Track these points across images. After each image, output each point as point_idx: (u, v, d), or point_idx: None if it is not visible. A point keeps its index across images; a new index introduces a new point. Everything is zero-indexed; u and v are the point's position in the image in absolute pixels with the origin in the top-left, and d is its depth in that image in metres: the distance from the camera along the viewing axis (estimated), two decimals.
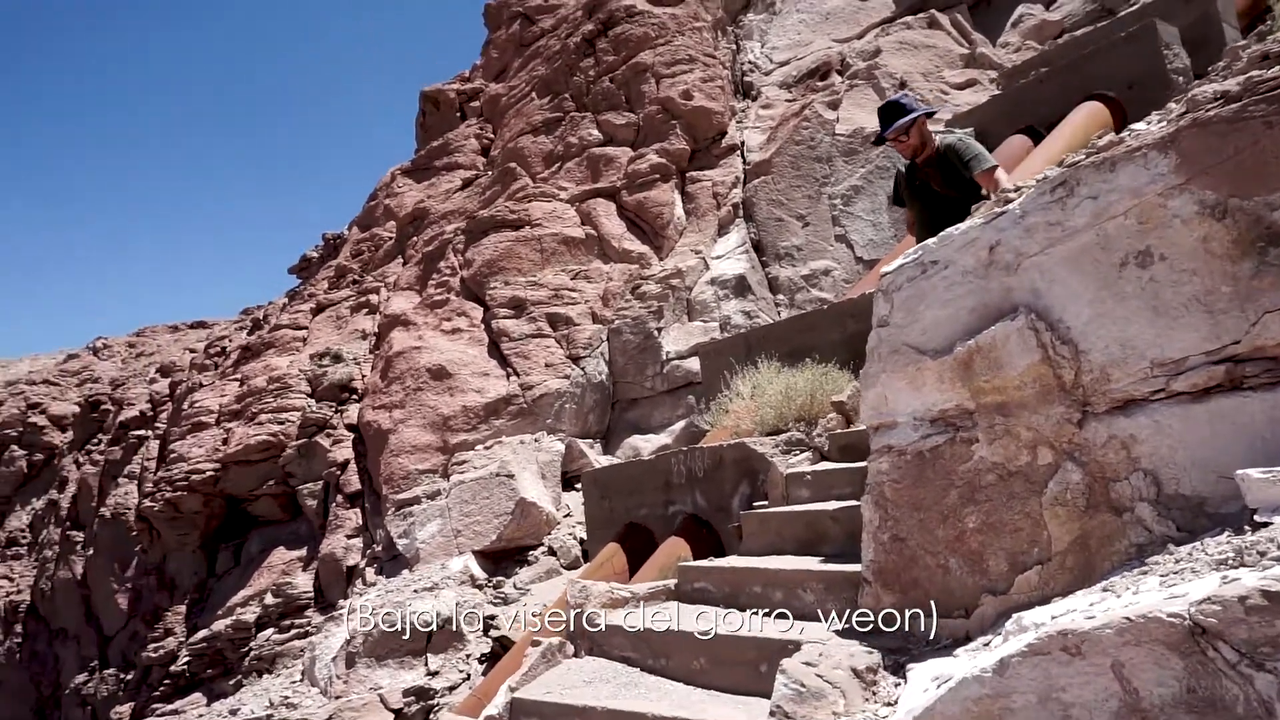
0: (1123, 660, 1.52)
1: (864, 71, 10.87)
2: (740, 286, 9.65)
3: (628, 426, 9.48)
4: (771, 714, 2.80)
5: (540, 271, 10.84)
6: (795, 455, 5.02)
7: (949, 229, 3.11)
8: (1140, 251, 2.48)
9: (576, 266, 10.93)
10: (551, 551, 7.62)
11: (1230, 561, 1.69)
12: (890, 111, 4.41)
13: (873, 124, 10.42)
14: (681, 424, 8.73)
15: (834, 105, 10.53)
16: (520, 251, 11.03)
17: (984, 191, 4.19)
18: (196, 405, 13.28)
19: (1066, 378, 2.62)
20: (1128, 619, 1.53)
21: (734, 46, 13.49)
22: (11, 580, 18.99)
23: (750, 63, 13.03)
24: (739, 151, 11.42)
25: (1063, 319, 2.66)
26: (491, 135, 14.76)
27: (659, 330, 9.64)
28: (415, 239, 13.45)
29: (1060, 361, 2.63)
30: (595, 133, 12.38)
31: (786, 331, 7.10)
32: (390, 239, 14.41)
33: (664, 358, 9.44)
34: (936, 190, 4.37)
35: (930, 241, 3.17)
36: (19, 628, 17.84)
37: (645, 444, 8.87)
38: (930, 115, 4.53)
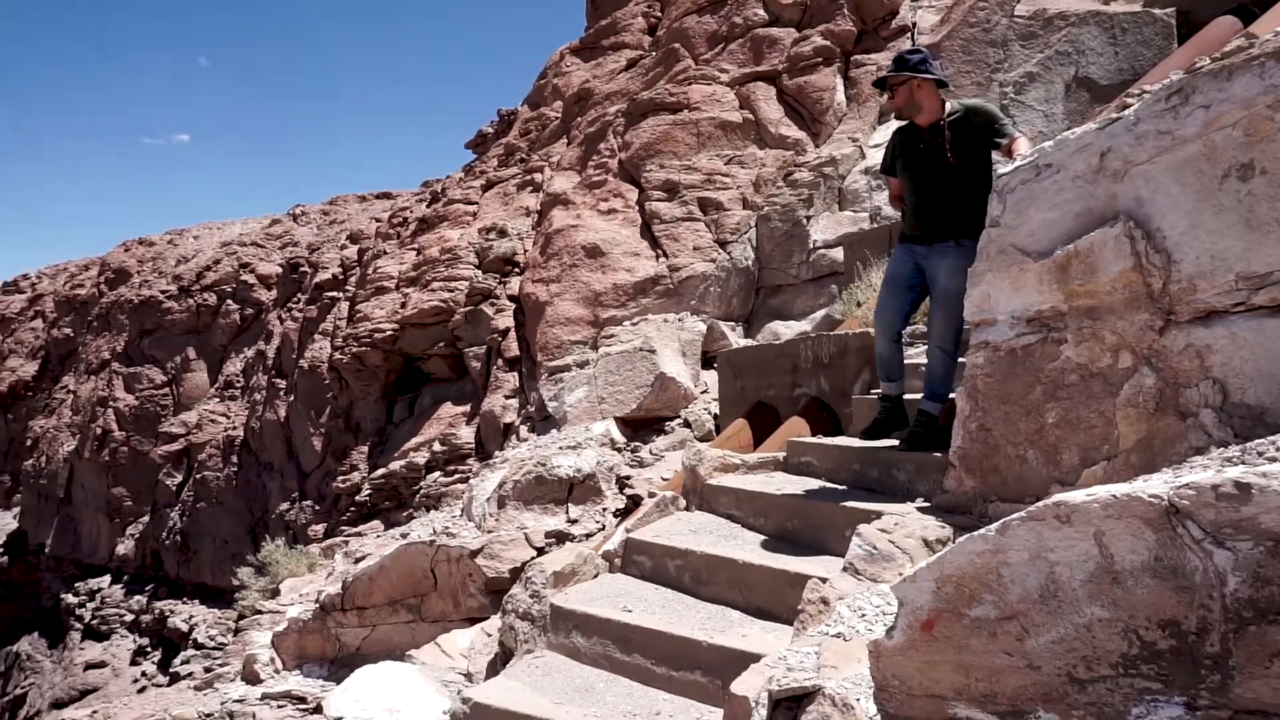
0: (1104, 530, 1.76)
1: None
2: None
3: (770, 312, 9.73)
4: (844, 569, 3.17)
5: (695, 155, 11.00)
6: (918, 346, 5.18)
7: (1066, 133, 3.15)
8: (1243, 164, 2.50)
9: (731, 151, 11.00)
10: (687, 424, 8.15)
11: (1234, 460, 1.87)
12: (895, 63, 4.08)
13: (1056, 4, 9.70)
14: (822, 312, 8.89)
15: None
16: (677, 135, 11.19)
17: (997, 161, 3.90)
18: (379, 271, 14.55)
19: (1155, 286, 2.71)
20: (1114, 495, 1.76)
21: None
22: (228, 418, 21.78)
23: None
24: (909, 35, 10.92)
25: (1160, 228, 2.72)
26: (659, 14, 14.68)
27: (808, 219, 9.69)
28: (579, 119, 13.81)
29: (1151, 270, 2.72)
30: (761, 12, 12.12)
31: None
32: (556, 119, 14.85)
33: (810, 246, 9.52)
34: (946, 159, 3.96)
35: (1047, 144, 3.22)
36: (234, 459, 20.59)
37: (785, 330, 9.11)
38: (943, 85, 4.08)
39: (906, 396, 4.25)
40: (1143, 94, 3.00)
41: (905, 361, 4.31)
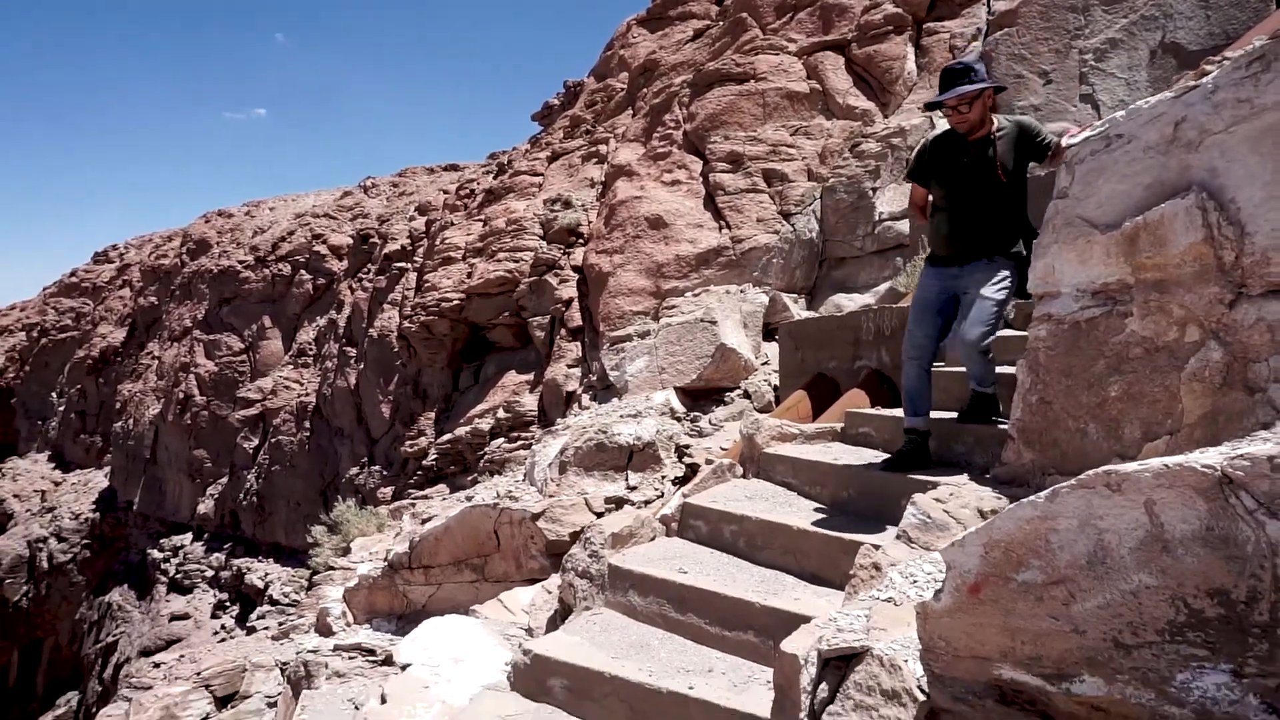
0: (1155, 499, 1.77)
1: None
2: None
3: (833, 284, 9.66)
4: (898, 537, 3.20)
5: (760, 126, 10.91)
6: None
7: (1138, 102, 3.08)
8: None
9: (798, 122, 10.88)
10: (747, 395, 8.18)
11: None
12: (955, 75, 3.71)
13: None
14: (886, 285, 8.79)
15: None
16: (742, 106, 11.11)
17: (1039, 171, 3.78)
18: (446, 242, 14.82)
19: (1226, 259, 2.66)
20: (1166, 465, 1.76)
21: None
22: (301, 384, 22.50)
23: None
24: (985, 2, 10.61)
25: (1235, 199, 2.66)
26: None
27: (874, 190, 9.56)
28: (645, 90, 13.79)
29: (1223, 242, 2.66)
30: None
31: None
32: (622, 90, 14.85)
33: (876, 218, 9.40)
34: (994, 175, 3.73)
35: (1118, 114, 3.15)
36: (307, 424, 21.28)
37: (849, 302, 9.04)
38: (999, 90, 3.83)
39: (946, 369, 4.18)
40: (1223, 61, 2.92)
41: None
